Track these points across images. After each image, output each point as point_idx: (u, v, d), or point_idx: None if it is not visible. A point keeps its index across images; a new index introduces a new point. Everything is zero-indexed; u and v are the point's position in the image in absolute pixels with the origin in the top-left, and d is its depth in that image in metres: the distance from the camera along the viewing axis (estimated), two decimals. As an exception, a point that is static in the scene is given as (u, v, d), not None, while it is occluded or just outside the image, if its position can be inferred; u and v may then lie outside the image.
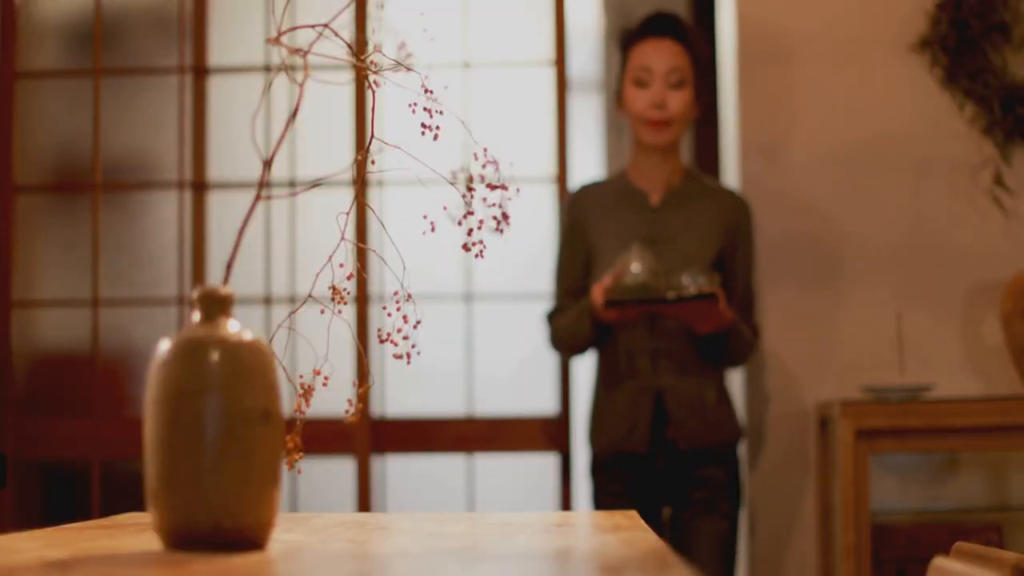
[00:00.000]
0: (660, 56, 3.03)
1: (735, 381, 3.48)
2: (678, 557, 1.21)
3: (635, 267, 2.84)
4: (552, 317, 3.14)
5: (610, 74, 3.72)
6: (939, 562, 1.67)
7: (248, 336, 1.27)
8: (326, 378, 1.55)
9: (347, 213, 1.53)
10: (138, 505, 1.63)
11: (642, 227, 3.05)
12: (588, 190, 3.17)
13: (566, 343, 3.08)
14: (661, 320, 2.97)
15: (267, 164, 1.36)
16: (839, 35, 3.48)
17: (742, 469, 3.11)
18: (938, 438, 3.08)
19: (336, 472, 3.58)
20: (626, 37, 3.11)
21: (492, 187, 1.52)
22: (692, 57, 3.07)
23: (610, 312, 2.84)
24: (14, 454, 3.48)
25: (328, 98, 3.51)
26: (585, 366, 3.72)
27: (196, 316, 1.29)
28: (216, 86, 3.70)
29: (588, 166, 3.88)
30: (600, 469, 3.06)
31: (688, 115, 3.07)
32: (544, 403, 3.56)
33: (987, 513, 3.34)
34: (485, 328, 3.65)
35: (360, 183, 1.67)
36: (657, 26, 3.06)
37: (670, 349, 2.99)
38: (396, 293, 1.58)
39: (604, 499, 3.04)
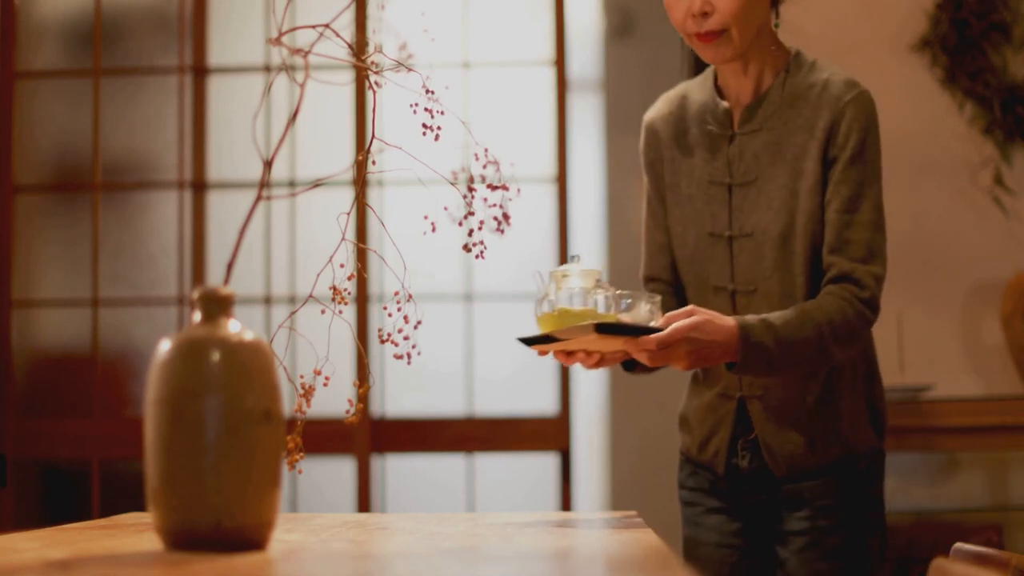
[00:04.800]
0: None
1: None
2: (678, 558, 1.21)
3: (551, 285, 1.92)
4: None
5: (610, 74, 3.71)
6: (939, 562, 1.67)
7: (248, 336, 1.27)
8: (326, 378, 1.55)
9: (347, 213, 1.53)
10: (138, 505, 1.63)
11: (718, 168, 2.10)
12: (668, 106, 2.19)
13: None
14: (743, 307, 2.06)
15: (267, 164, 1.36)
16: (839, 35, 3.48)
17: (870, 483, 2.11)
18: (938, 438, 3.08)
19: (336, 472, 3.58)
20: None
21: (492, 187, 1.52)
22: None
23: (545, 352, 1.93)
24: (14, 454, 3.48)
25: (328, 98, 3.51)
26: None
27: (196, 316, 1.29)
28: (216, 86, 3.70)
29: (588, 166, 3.87)
30: (683, 465, 2.24)
31: (752, 12, 2.05)
32: (544, 403, 3.56)
33: (987, 513, 3.34)
34: (485, 328, 3.65)
35: (360, 183, 1.67)
36: None
37: None
38: (396, 293, 1.58)
39: (685, 495, 2.22)
